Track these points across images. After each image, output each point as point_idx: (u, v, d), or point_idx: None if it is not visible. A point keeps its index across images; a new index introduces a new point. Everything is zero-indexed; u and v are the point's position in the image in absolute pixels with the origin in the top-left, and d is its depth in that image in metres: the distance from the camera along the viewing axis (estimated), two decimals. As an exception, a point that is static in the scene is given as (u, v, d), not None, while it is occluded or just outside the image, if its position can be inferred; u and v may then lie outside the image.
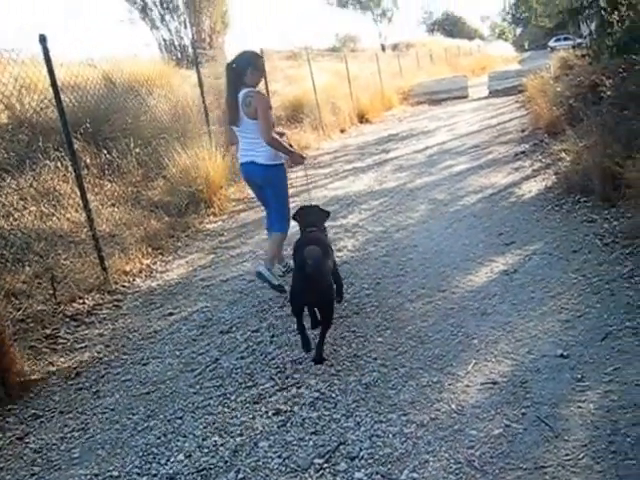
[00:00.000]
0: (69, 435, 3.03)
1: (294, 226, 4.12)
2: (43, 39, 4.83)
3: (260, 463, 2.53)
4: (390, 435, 2.56)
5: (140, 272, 5.40)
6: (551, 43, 33.89)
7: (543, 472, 2.19)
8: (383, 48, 38.80)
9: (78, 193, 5.28)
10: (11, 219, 5.36)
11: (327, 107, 13.13)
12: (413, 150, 9.90)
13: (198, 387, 3.28)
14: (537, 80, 11.32)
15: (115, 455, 2.79)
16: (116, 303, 4.78)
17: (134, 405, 3.22)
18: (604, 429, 2.34)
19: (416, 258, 4.66)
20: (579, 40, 8.84)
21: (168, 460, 2.67)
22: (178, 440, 2.81)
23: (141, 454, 2.75)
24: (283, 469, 2.46)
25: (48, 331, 4.24)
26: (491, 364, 2.98)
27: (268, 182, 4.35)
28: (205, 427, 2.87)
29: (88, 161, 6.74)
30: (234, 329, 3.95)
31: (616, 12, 6.28)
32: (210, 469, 2.55)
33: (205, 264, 5.47)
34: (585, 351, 2.92)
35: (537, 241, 4.56)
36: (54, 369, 3.77)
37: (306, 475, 2.41)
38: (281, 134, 4.54)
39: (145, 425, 3.00)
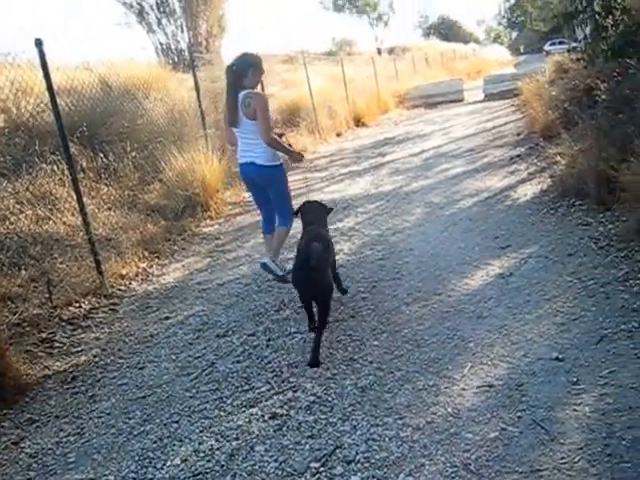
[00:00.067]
0: (65, 439, 3.03)
1: (295, 227, 4.14)
2: (39, 43, 4.83)
3: (256, 467, 2.53)
4: (386, 439, 2.56)
5: (136, 276, 5.39)
6: (546, 47, 34.02)
7: (539, 475, 2.20)
8: (379, 52, 38.93)
9: (74, 197, 5.27)
10: (7, 223, 5.36)
11: (323, 111, 13.15)
12: (409, 153, 9.92)
13: (194, 391, 3.28)
14: (532, 84, 11.36)
15: (111, 460, 2.79)
16: (112, 307, 4.77)
17: (130, 409, 3.22)
18: (599, 432, 2.35)
19: (412, 261, 4.67)
20: (574, 44, 8.89)
21: (164, 464, 2.67)
22: (174, 444, 2.81)
23: (137, 458, 2.75)
24: (279, 473, 2.46)
25: (44, 335, 4.23)
26: (487, 367, 2.98)
27: (268, 182, 4.41)
28: (201, 431, 2.87)
29: (84, 165, 6.74)
30: (230, 333, 3.95)
31: (610, 16, 6.30)
32: (206, 473, 2.55)
33: (201, 268, 5.47)
34: (580, 354, 2.93)
35: (532, 244, 4.58)
36: (50, 373, 3.76)
37: (302, 479, 2.41)
38: (280, 135, 4.59)
39: (141, 429, 2.99)
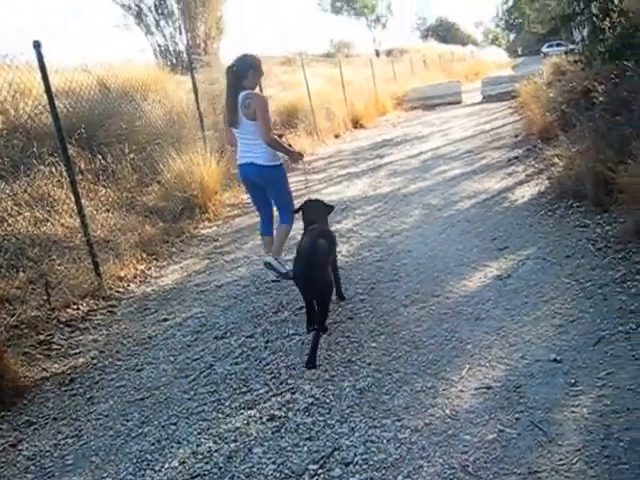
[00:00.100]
0: (63, 442, 3.02)
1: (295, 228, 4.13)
2: (37, 45, 4.84)
3: (254, 469, 2.53)
4: (384, 440, 2.56)
5: (134, 278, 5.39)
6: (544, 49, 34.06)
7: (537, 477, 2.20)
8: (377, 54, 38.96)
9: (72, 198, 5.28)
10: (5, 224, 5.35)
11: (321, 112, 13.16)
12: (407, 155, 9.93)
13: (192, 393, 3.28)
14: (530, 86, 11.37)
15: (109, 462, 2.79)
16: (110, 309, 4.77)
17: (128, 411, 3.21)
18: (597, 434, 2.35)
19: (410, 263, 4.67)
20: (571, 46, 8.89)
21: (162, 466, 2.66)
22: (172, 446, 2.81)
23: (135, 461, 2.75)
24: (277, 475, 2.46)
25: (42, 337, 4.22)
26: (485, 369, 2.99)
27: (269, 182, 4.46)
28: (199, 433, 2.87)
29: (82, 166, 6.74)
30: (228, 335, 3.95)
31: (608, 19, 6.32)
32: (204, 475, 2.55)
33: (200, 269, 5.47)
34: (578, 356, 2.94)
35: (530, 246, 4.58)
36: (48, 375, 3.75)
37: (301, 481, 2.41)
38: (280, 135, 4.62)
39: (139, 431, 2.99)
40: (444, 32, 63.28)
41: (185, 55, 20.23)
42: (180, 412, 3.10)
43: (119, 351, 4.01)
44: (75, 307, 4.71)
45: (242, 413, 2.97)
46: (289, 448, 2.62)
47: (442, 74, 27.35)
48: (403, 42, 48.75)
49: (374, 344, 3.44)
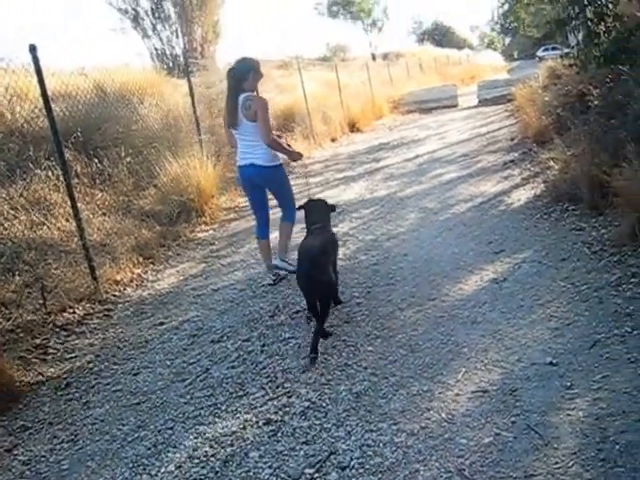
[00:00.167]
0: (58, 446, 3.02)
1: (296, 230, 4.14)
2: (33, 48, 4.83)
3: (251, 473, 2.52)
4: (381, 444, 2.56)
5: (131, 281, 5.38)
6: (539, 53, 34.25)
7: (533, 480, 2.20)
8: (373, 57, 38.99)
9: (69, 202, 5.27)
10: (1, 228, 5.34)
11: (318, 116, 13.17)
12: (403, 159, 9.95)
13: (189, 397, 3.27)
14: (526, 89, 11.41)
15: (105, 466, 2.78)
16: (107, 313, 4.76)
17: (124, 416, 3.21)
18: (593, 437, 2.36)
19: (406, 267, 4.68)
20: (567, 50, 8.93)
21: (158, 471, 2.66)
22: (169, 451, 2.80)
23: (131, 465, 2.74)
24: (274, 479, 2.46)
25: (38, 341, 4.21)
26: (481, 372, 2.99)
27: (270, 182, 4.58)
28: (196, 437, 2.87)
29: (79, 170, 6.72)
30: (225, 338, 3.94)
31: (602, 23, 6.34)
32: (201, 480, 2.54)
33: (196, 273, 5.46)
34: (574, 359, 2.94)
35: (526, 249, 4.59)
36: (44, 379, 3.74)
37: (297, 485, 2.41)
38: (279, 136, 4.71)
39: (135, 436, 2.99)
40: (440, 36, 63.53)
41: (182, 59, 20.28)
42: (176, 416, 3.09)
43: (115, 355, 4.00)
44: (71, 311, 4.70)
45: (238, 417, 2.97)
46: (285, 452, 2.62)
47: (438, 78, 27.38)
48: (399, 46, 48.94)
49: (370, 348, 3.45)
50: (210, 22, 23.52)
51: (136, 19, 23.11)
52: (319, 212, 4.16)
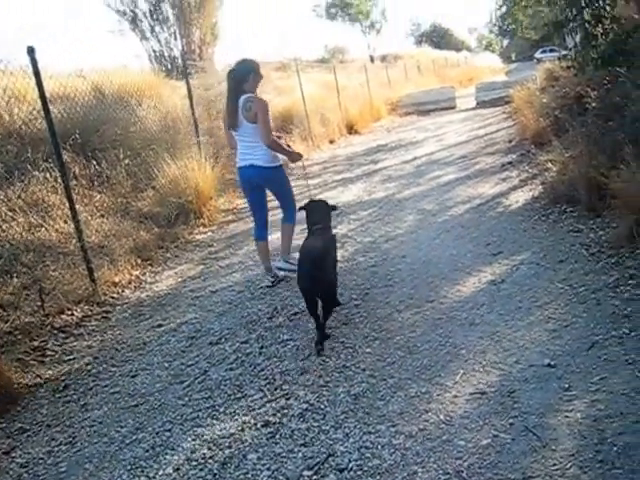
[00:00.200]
0: (56, 449, 3.01)
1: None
2: (31, 50, 4.83)
3: (249, 475, 2.52)
4: (379, 446, 2.56)
5: (129, 283, 5.38)
6: (537, 55, 34.24)
7: (531, 482, 2.20)
8: (372, 59, 39.07)
9: (67, 204, 5.27)
10: (-1, 230, 5.34)
11: (316, 118, 13.18)
12: (402, 161, 9.96)
13: (187, 399, 3.27)
14: (523, 91, 11.43)
15: (103, 469, 2.78)
16: (105, 315, 4.76)
17: (122, 418, 3.20)
18: (591, 438, 2.36)
19: (404, 268, 4.68)
20: (564, 52, 8.95)
21: (157, 473, 2.66)
22: (167, 453, 2.80)
23: (129, 467, 2.74)
24: (272, 481, 2.46)
25: (36, 343, 4.21)
26: (479, 374, 2.99)
27: (270, 183, 4.61)
28: (194, 439, 2.86)
29: (77, 172, 6.73)
30: (223, 340, 3.94)
31: (600, 25, 6.36)
32: (199, 482, 2.54)
33: (194, 275, 5.46)
34: (572, 360, 2.95)
35: (524, 251, 4.60)
36: (42, 381, 3.74)
37: (295, 487, 2.40)
38: (279, 137, 4.74)
39: (133, 438, 2.98)
40: (438, 38, 63.57)
41: (180, 60, 20.27)
42: (174, 418, 3.09)
43: (113, 357, 3.99)
44: (69, 313, 4.69)
45: (237, 419, 2.96)
46: (284, 454, 2.62)
47: (436, 80, 27.41)
48: (397, 48, 49.06)
49: (368, 350, 3.45)
50: (208, 24, 23.54)
51: (134, 21, 23.14)
52: (320, 212, 4.20)
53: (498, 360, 3.09)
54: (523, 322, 3.45)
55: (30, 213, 5.79)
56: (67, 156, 6.24)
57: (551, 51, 25.69)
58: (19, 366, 3.85)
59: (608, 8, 6.37)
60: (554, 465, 2.26)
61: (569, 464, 2.25)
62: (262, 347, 3.72)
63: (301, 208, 4.31)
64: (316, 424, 2.80)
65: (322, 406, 2.94)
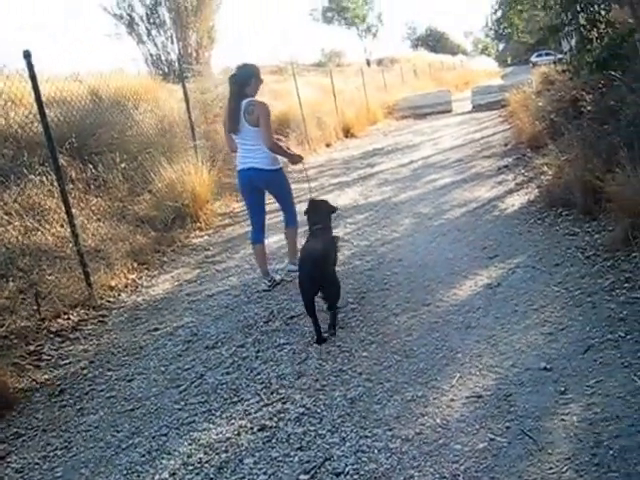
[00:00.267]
0: (52, 454, 3.00)
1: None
2: (28, 55, 4.83)
3: (245, 480, 2.52)
4: (375, 450, 2.56)
5: (125, 287, 5.37)
6: (533, 58, 34.37)
7: (527, 485, 2.20)
8: (368, 63, 39.09)
9: (63, 208, 5.26)
10: (-6, 234, 5.32)
11: (313, 121, 13.19)
12: (398, 164, 9.97)
13: (183, 403, 3.26)
14: (519, 95, 11.49)
15: (99, 474, 2.77)
16: (101, 319, 4.75)
17: (118, 422, 3.20)
18: (587, 442, 2.36)
19: (401, 272, 4.69)
20: (560, 56, 8.99)
21: (153, 478, 2.65)
22: (163, 457, 2.79)
23: (125, 472, 2.73)
24: (269, 486, 2.46)
25: (32, 347, 4.19)
26: (475, 378, 3.00)
27: (271, 185, 4.65)
28: (190, 444, 2.86)
29: (73, 176, 6.72)
30: (220, 344, 3.94)
31: (595, 29, 6.41)
32: (195, 486, 2.54)
33: (191, 279, 5.46)
34: (568, 364, 2.95)
35: (520, 254, 4.61)
36: (37, 386, 3.73)
37: (292, 491, 2.40)
38: (279, 139, 4.79)
39: (129, 442, 2.98)
40: (434, 42, 63.70)
41: (177, 64, 20.25)
42: (171, 423, 3.08)
43: (109, 361, 3.98)
44: (65, 317, 4.68)
45: (233, 423, 2.96)
46: (280, 458, 2.62)
47: (432, 83, 27.50)
48: (393, 51, 48.94)
49: (365, 353, 3.45)
50: (205, 28, 23.51)
51: (131, 25, 23.09)
52: (320, 212, 4.24)
53: (494, 363, 3.09)
54: (519, 325, 3.46)
55: (26, 217, 5.77)
56: (63, 160, 6.23)
57: (547, 55, 25.84)
58: (15, 370, 3.83)
59: (603, 12, 6.41)
60: (550, 469, 2.26)
61: (565, 467, 2.25)
62: (258, 351, 3.72)
63: (306, 212, 4.33)
64: (312, 428, 2.80)
65: (318, 410, 2.94)
